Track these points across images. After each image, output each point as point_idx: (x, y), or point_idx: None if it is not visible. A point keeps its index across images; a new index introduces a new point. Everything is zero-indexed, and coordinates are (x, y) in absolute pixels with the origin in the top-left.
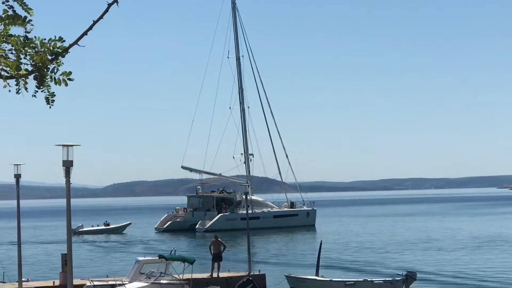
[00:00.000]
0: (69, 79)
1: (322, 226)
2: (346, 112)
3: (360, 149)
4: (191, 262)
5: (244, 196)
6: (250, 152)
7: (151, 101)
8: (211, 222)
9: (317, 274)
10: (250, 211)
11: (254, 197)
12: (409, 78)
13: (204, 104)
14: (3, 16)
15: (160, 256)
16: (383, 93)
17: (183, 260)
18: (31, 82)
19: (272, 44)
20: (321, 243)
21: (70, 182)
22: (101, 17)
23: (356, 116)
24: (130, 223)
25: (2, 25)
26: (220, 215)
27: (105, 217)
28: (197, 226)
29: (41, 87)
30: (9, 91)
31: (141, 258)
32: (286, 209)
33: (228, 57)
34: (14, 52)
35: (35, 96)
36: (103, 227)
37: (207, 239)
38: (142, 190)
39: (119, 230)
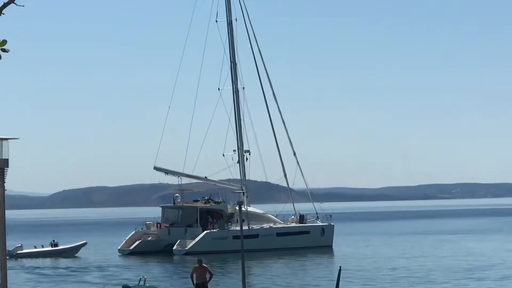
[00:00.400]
0: (3, 50)
1: (341, 247)
2: (373, 98)
3: (392, 146)
4: None
5: (237, 207)
6: (246, 148)
7: (114, 82)
8: (194, 241)
9: None
10: (245, 227)
11: (251, 209)
12: (455, 64)
13: (184, 85)
14: None
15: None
16: (423, 77)
17: None
18: None
19: (275, 3)
20: (340, 270)
21: (5, 188)
22: None
23: (387, 104)
24: (85, 243)
25: None
26: (205, 232)
27: (51, 234)
28: (174, 247)
29: None
30: None
31: None
32: (293, 224)
33: (216, 21)
34: None
35: None
36: (49, 248)
37: (188, 265)
38: (101, 199)
39: (70, 253)
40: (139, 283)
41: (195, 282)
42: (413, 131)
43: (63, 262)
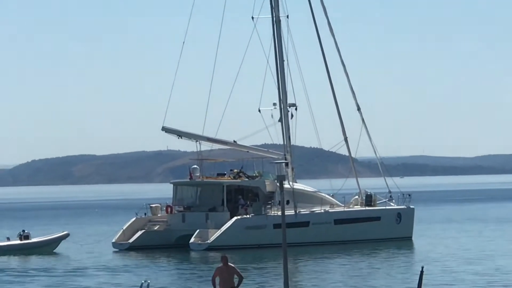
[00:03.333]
0: None
1: (425, 239)
2: (461, 40)
3: (490, 101)
4: None
5: (279, 184)
6: (290, 101)
7: (106, 15)
8: (219, 232)
9: None
10: (290, 212)
11: (298, 186)
12: None
13: (203, 12)
14: None
15: None
16: None
17: None
18: None
19: None
20: (422, 272)
21: None
22: None
23: (480, 47)
24: (66, 235)
25: None
26: (235, 218)
27: (19, 222)
28: (191, 240)
29: None
30: None
31: None
32: (358, 207)
33: None
34: None
35: None
36: (17, 241)
37: (210, 265)
38: (86, 173)
39: (46, 248)
40: None
41: None
42: None
43: (37, 261)
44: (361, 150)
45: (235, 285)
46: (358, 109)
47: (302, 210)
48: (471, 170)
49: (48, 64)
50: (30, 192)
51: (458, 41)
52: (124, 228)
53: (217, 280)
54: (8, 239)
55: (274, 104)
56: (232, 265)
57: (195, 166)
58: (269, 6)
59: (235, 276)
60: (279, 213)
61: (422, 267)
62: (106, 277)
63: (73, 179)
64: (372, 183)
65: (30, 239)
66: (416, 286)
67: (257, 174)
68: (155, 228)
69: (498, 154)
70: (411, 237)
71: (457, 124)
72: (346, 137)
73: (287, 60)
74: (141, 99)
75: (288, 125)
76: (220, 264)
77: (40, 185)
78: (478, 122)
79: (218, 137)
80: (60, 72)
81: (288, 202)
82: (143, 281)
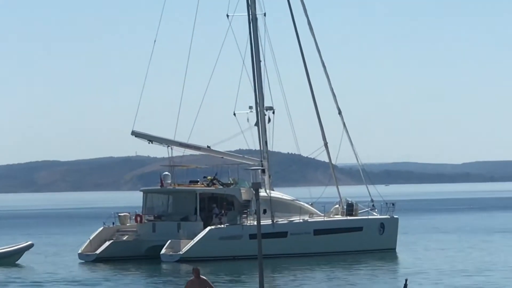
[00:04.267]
0: None
1: (409, 250)
2: (446, 40)
3: (478, 106)
4: None
5: (254, 192)
6: (267, 104)
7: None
8: (192, 242)
9: None
10: (267, 221)
11: (275, 194)
12: None
13: (176, 8)
14: None
15: None
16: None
17: None
18: None
19: None
20: (406, 284)
21: None
22: None
23: (466, 46)
24: (30, 245)
25: None
26: (209, 228)
27: None
28: (163, 251)
29: None
30: None
31: None
32: (339, 217)
33: None
34: None
35: None
36: None
37: (181, 277)
38: (50, 180)
39: (8, 259)
40: None
41: None
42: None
43: None
44: (342, 157)
45: None
46: (339, 112)
47: (279, 220)
48: (458, 177)
49: (10, 64)
50: None
51: (442, 40)
52: (91, 238)
53: None
54: None
55: (250, 107)
56: (205, 277)
57: (167, 172)
58: (245, 3)
59: None
60: (255, 222)
61: (406, 280)
62: None
63: (37, 187)
64: (354, 191)
65: None
66: None
67: (232, 182)
68: (124, 238)
69: (487, 160)
70: (395, 248)
71: (443, 129)
72: (326, 143)
73: (264, 61)
74: (109, 101)
75: (265, 130)
76: (192, 277)
77: (1, 192)
78: (466, 127)
79: (191, 142)
80: (23, 72)
81: (265, 211)
82: None
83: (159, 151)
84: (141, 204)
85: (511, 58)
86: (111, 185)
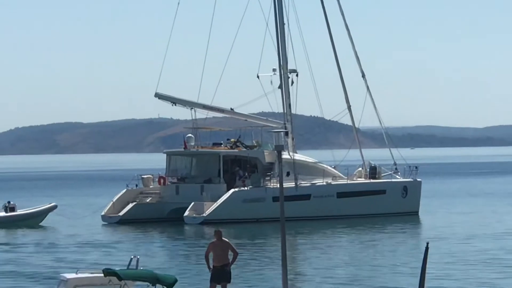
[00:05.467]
0: None
1: (433, 215)
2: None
3: (500, 69)
4: (169, 283)
5: (277, 154)
6: (291, 67)
7: None
8: (215, 205)
9: None
10: (290, 184)
11: (298, 156)
12: None
13: None
14: None
15: (108, 273)
16: None
17: (153, 279)
18: None
19: None
20: (427, 247)
21: None
22: None
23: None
24: (55, 206)
25: None
26: (232, 190)
27: (3, 194)
28: (186, 213)
29: None
30: None
31: (70, 276)
32: (362, 180)
33: None
34: None
35: None
36: (2, 213)
37: (203, 240)
38: (72, 142)
39: (33, 220)
40: (129, 265)
41: (212, 265)
42: None
43: (21, 234)
44: (364, 120)
45: (229, 261)
46: (363, 76)
47: (303, 183)
48: (481, 141)
49: (33, 29)
50: (13, 162)
51: (465, 7)
52: (114, 200)
53: (211, 256)
54: None
55: (274, 70)
56: (227, 240)
57: (190, 135)
58: None
59: (230, 252)
60: (278, 184)
61: (427, 244)
62: (95, 252)
63: (58, 148)
64: (377, 155)
65: (16, 211)
66: (422, 262)
67: (255, 144)
68: (147, 201)
69: (510, 124)
70: (418, 212)
71: (466, 93)
72: (350, 105)
73: (288, 23)
74: (132, 63)
75: (288, 92)
76: (214, 239)
77: (23, 154)
78: (488, 90)
79: (214, 104)
80: (46, 35)
81: (288, 173)
82: (132, 257)
83: (181, 114)
84: (163, 167)
85: None
86: (133, 147)
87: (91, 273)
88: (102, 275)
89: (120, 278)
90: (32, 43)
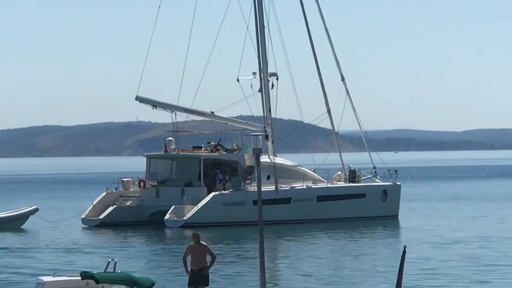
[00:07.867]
0: None
1: (412, 219)
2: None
3: (480, 72)
4: (146, 286)
5: (255, 158)
6: (271, 71)
7: None
8: (196, 208)
9: None
10: (271, 187)
11: (278, 160)
12: None
13: None
14: None
15: (85, 276)
16: None
17: (130, 282)
18: None
19: None
20: (404, 250)
21: None
22: None
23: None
24: (36, 209)
25: None
26: (213, 194)
27: None
28: (166, 217)
29: None
30: None
31: (47, 279)
32: (341, 183)
33: None
34: None
35: None
36: None
37: (182, 243)
38: (51, 144)
39: (13, 224)
40: (106, 269)
41: (190, 268)
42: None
43: (4, 236)
44: (343, 123)
45: (207, 264)
46: (343, 79)
47: (283, 186)
48: (459, 145)
49: (9, 33)
50: None
51: (447, 9)
52: (94, 203)
53: (189, 259)
54: None
55: (254, 73)
56: (205, 243)
57: (171, 138)
58: None
59: (207, 255)
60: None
61: (405, 247)
62: (74, 255)
63: (37, 151)
64: (356, 158)
65: None
66: (399, 265)
67: (235, 148)
68: (127, 204)
69: (488, 128)
70: (397, 215)
71: (444, 97)
72: (329, 109)
73: (268, 27)
74: (111, 66)
75: (269, 96)
76: (192, 243)
77: (2, 157)
78: (467, 94)
79: (194, 107)
80: (24, 39)
81: (268, 177)
82: (109, 260)
83: (160, 117)
84: (143, 170)
85: None
86: (112, 151)
87: (69, 276)
88: (80, 278)
89: (97, 281)
90: (8, 46)
